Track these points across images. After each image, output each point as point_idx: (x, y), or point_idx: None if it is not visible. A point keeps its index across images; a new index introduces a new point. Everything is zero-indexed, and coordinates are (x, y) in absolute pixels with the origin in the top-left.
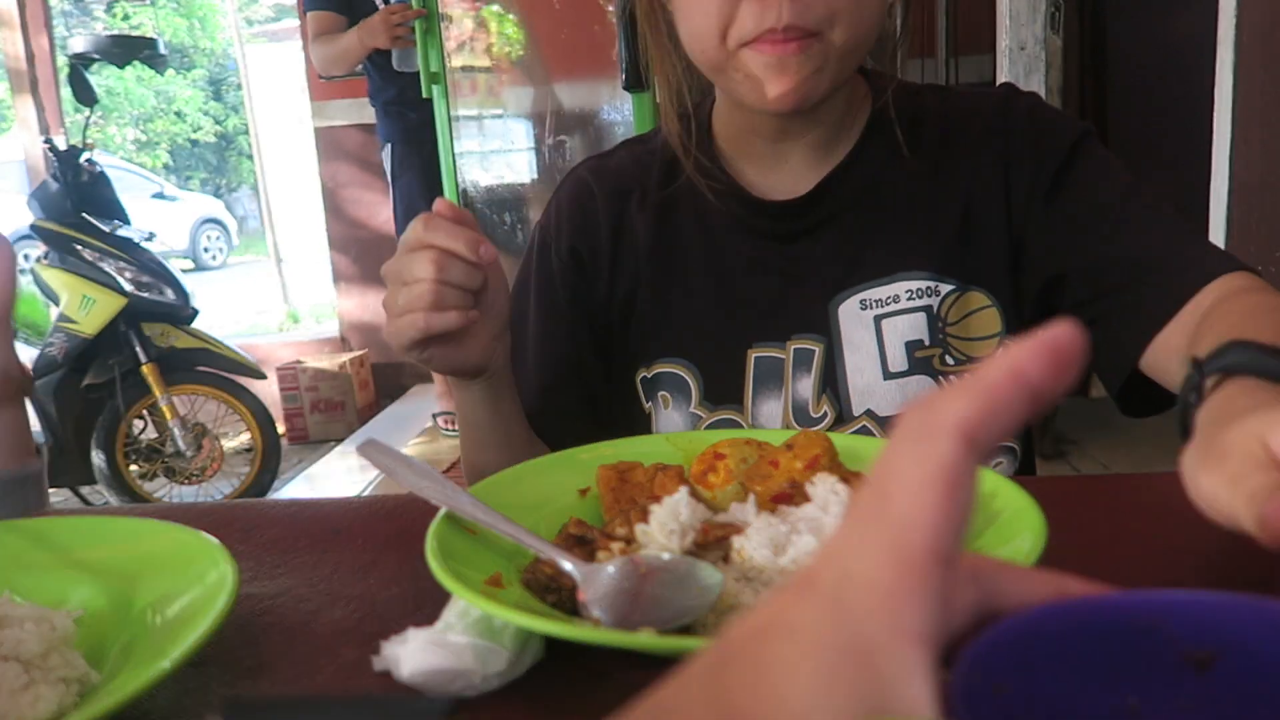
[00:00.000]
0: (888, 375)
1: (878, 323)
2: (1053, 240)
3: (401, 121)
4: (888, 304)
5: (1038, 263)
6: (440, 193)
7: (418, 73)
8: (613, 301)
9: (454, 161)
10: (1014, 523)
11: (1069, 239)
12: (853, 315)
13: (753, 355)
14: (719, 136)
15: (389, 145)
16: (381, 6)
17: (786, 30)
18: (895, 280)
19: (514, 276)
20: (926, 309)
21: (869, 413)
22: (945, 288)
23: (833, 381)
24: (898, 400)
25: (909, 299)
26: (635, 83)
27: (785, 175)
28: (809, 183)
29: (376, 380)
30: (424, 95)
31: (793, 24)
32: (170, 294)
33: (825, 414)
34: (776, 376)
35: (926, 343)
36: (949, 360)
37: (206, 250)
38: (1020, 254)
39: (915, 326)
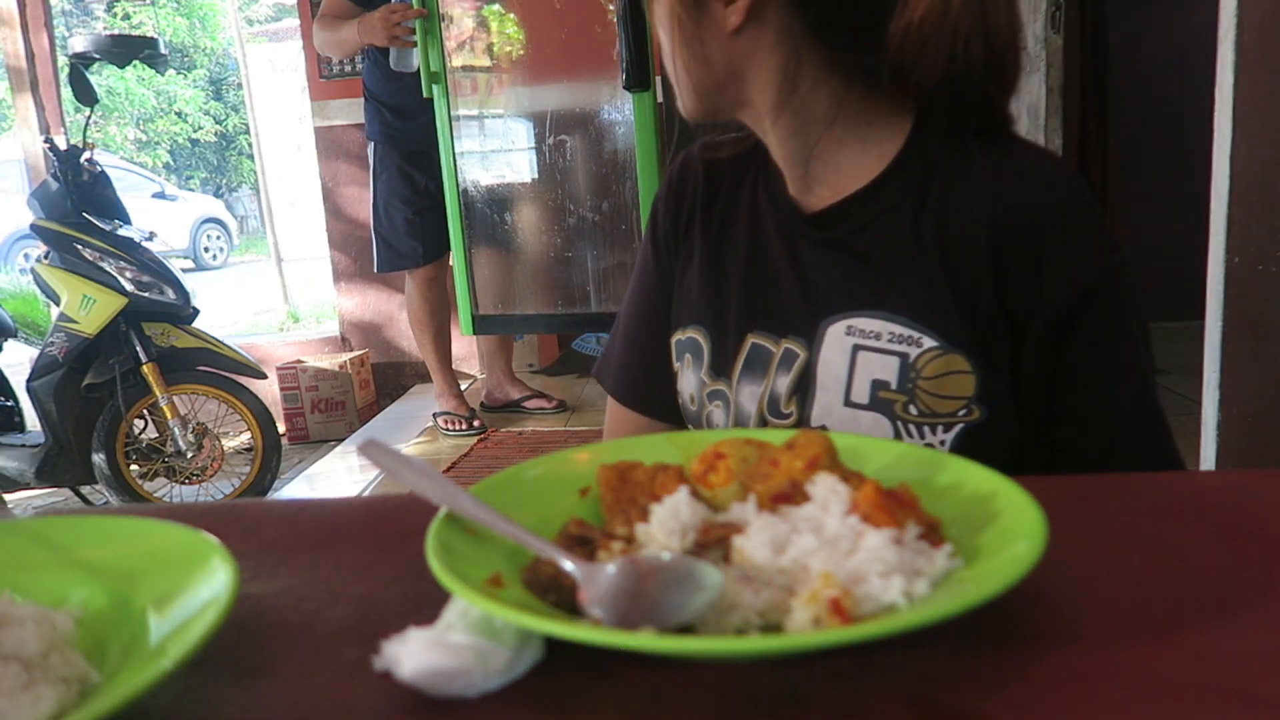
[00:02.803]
0: (847, 403)
1: (855, 352)
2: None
3: (381, 122)
4: (869, 338)
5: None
6: (417, 194)
7: (410, 76)
8: (685, 268)
9: (454, 161)
10: (1014, 523)
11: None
12: (837, 338)
13: (750, 340)
14: None
15: (372, 143)
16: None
17: None
18: (880, 318)
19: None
20: (903, 356)
21: (823, 428)
22: (928, 342)
23: (804, 389)
24: (851, 427)
25: (890, 341)
26: (636, 82)
27: (811, 182)
28: (832, 182)
29: (376, 380)
30: (425, 95)
31: None
32: (171, 293)
33: (792, 413)
34: (763, 366)
35: (893, 386)
36: (912, 410)
37: (207, 250)
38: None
39: (886, 368)
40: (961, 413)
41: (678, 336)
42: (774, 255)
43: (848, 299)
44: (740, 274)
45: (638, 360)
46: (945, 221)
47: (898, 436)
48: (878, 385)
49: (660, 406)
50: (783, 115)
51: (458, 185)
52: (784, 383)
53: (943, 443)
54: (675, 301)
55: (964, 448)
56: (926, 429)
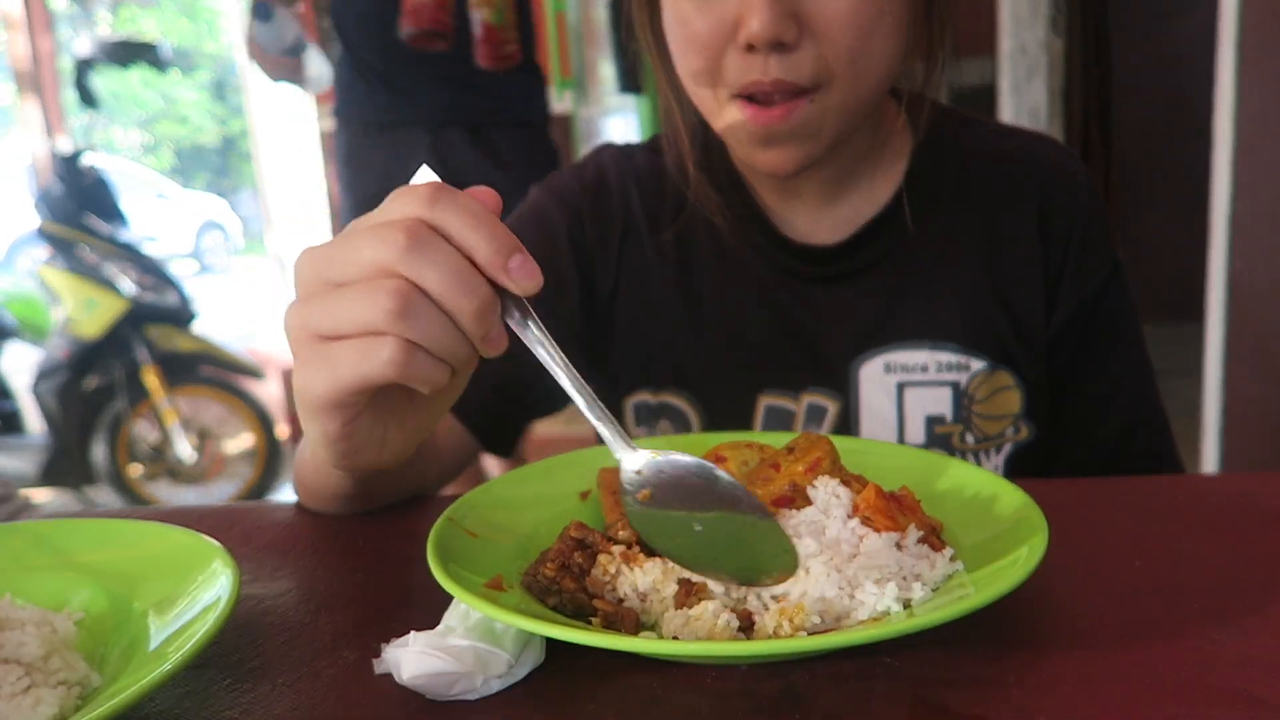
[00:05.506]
0: None
1: (901, 390)
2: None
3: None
4: (914, 372)
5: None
6: None
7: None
8: (614, 297)
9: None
10: (1016, 526)
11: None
12: (875, 378)
13: (763, 403)
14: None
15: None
16: None
17: (775, 84)
18: (924, 349)
19: None
20: (954, 384)
21: None
22: (977, 364)
23: None
24: None
25: (938, 371)
26: (630, 85)
27: (801, 205)
28: (826, 212)
29: None
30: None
31: (781, 80)
32: (172, 296)
33: None
34: (785, 428)
35: (949, 419)
36: (969, 439)
37: (209, 252)
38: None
39: (939, 401)
40: (1010, 431)
41: (640, 398)
42: (772, 302)
43: (880, 334)
44: (728, 327)
45: (498, 394)
46: (989, 220)
47: None
48: (933, 421)
49: (509, 446)
50: (888, 114)
51: None
52: None
53: (996, 468)
54: (621, 352)
55: (1017, 472)
56: (982, 455)
